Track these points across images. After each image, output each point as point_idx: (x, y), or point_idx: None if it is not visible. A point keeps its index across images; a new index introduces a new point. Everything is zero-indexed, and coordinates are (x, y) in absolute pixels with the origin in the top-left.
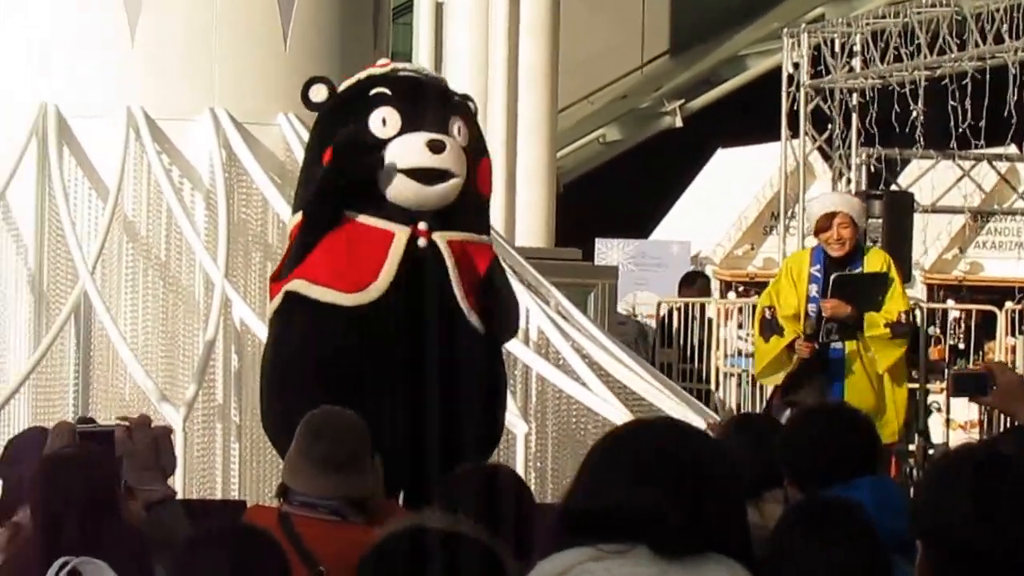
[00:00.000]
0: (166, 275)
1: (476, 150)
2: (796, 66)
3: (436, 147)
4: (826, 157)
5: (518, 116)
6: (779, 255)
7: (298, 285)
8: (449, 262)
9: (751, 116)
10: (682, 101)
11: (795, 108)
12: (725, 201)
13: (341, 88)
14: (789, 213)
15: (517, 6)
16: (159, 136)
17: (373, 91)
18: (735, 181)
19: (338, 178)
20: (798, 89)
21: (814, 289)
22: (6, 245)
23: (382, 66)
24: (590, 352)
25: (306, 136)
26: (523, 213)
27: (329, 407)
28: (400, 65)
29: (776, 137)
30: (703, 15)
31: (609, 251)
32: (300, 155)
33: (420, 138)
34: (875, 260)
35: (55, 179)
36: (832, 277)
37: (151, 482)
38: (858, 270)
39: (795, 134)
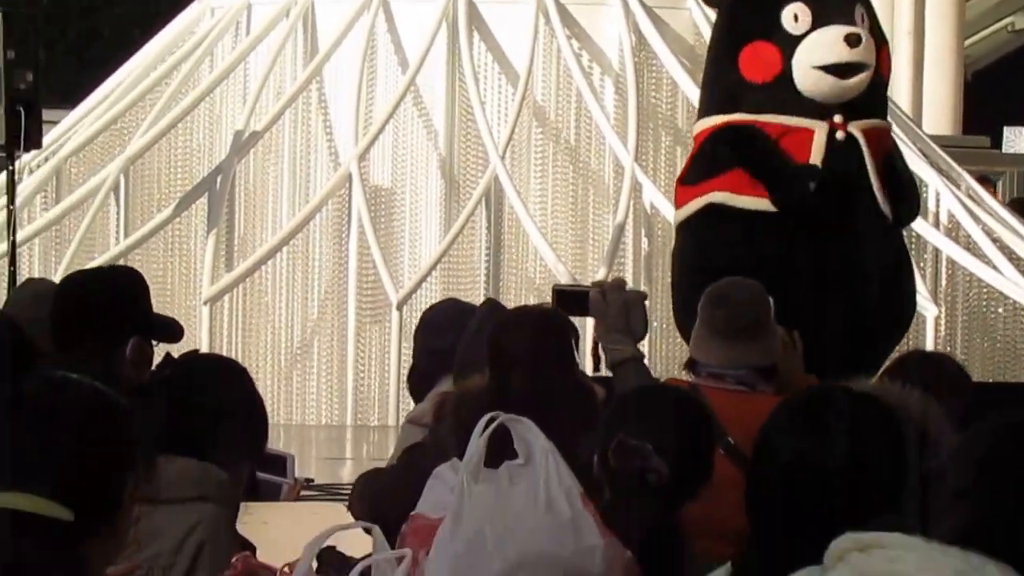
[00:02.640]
0: (576, 159)
1: (878, 35)
2: None
3: (853, 41)
4: None
5: (925, 4)
6: None
7: (721, 197)
8: (866, 152)
9: None
10: None
11: None
12: None
13: None
14: None
15: None
16: (569, 21)
17: None
18: None
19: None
20: None
21: None
22: (417, 130)
23: None
24: (1001, 235)
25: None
26: (930, 101)
27: (731, 279)
28: None
29: None
30: None
31: (1018, 139)
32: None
33: (836, 33)
34: None
35: (465, 64)
36: None
37: (618, 343)
38: None
39: None
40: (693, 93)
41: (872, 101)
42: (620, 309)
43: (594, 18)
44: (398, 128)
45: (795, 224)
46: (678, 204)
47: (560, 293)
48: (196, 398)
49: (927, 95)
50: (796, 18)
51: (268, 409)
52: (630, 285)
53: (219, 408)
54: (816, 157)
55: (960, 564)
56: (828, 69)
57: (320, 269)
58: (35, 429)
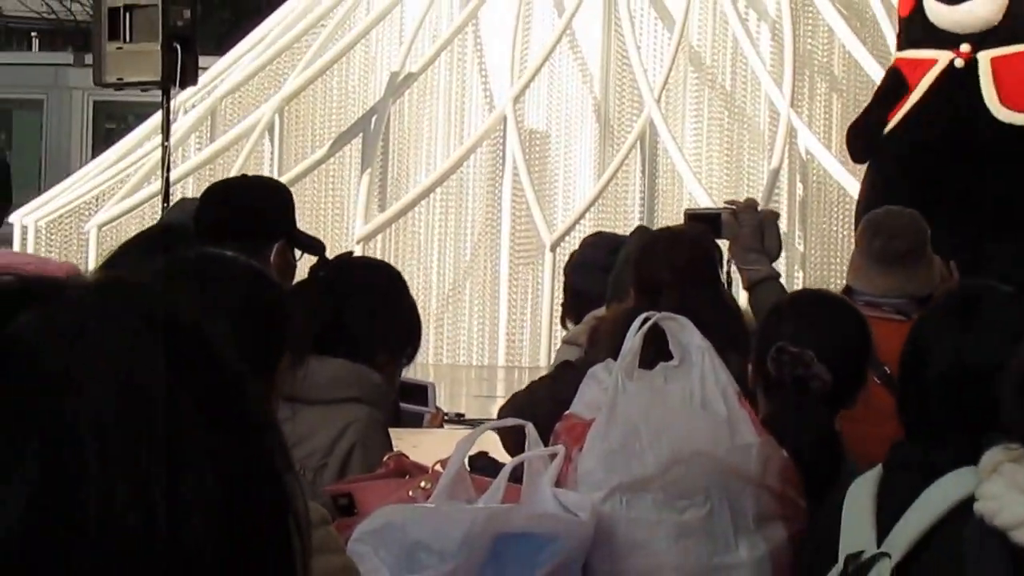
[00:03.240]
0: (731, 105)
1: None
2: None
3: None
4: None
5: None
6: None
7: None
8: (985, 77)
9: None
10: None
11: None
12: None
13: None
14: None
15: None
16: None
17: None
18: None
19: None
20: None
21: None
22: (572, 74)
23: None
24: None
25: None
26: None
27: (891, 207)
28: None
29: None
30: None
31: None
32: None
33: None
34: None
35: (622, 8)
36: None
37: (754, 263)
38: None
39: None
40: (849, 40)
41: (1018, 31)
42: (754, 229)
43: None
44: (553, 71)
45: (896, 143)
46: None
47: (693, 216)
48: (351, 298)
49: None
50: None
51: (422, 350)
52: (785, 231)
53: (373, 308)
54: (923, 86)
55: None
56: None
57: (473, 211)
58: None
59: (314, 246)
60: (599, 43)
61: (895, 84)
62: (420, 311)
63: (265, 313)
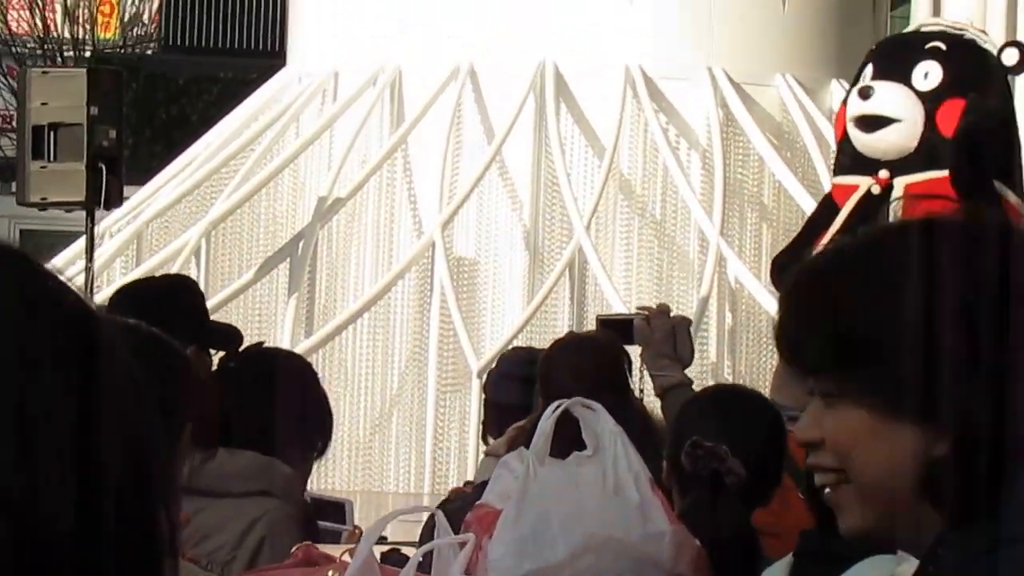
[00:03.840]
0: (661, 233)
1: (947, 91)
2: None
3: (864, 93)
4: None
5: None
6: None
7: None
8: (896, 203)
9: None
10: None
11: None
12: None
13: None
14: None
15: None
16: (656, 94)
17: (873, 47)
18: None
19: None
20: None
21: None
22: (502, 201)
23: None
24: None
25: (804, 97)
26: None
27: None
28: (942, 21)
29: None
30: None
31: None
32: (797, 116)
33: (856, 88)
34: None
35: (552, 135)
36: None
37: (666, 369)
38: None
39: None
40: (780, 170)
41: (933, 157)
42: (666, 335)
43: (681, 92)
44: (482, 198)
45: None
46: None
47: (605, 322)
48: (261, 390)
49: None
50: (863, 78)
51: (347, 477)
52: (713, 361)
53: (284, 400)
54: (843, 213)
55: None
56: (855, 123)
57: (401, 337)
58: None
59: (228, 338)
60: (529, 170)
61: (824, 211)
62: (347, 438)
63: (168, 374)
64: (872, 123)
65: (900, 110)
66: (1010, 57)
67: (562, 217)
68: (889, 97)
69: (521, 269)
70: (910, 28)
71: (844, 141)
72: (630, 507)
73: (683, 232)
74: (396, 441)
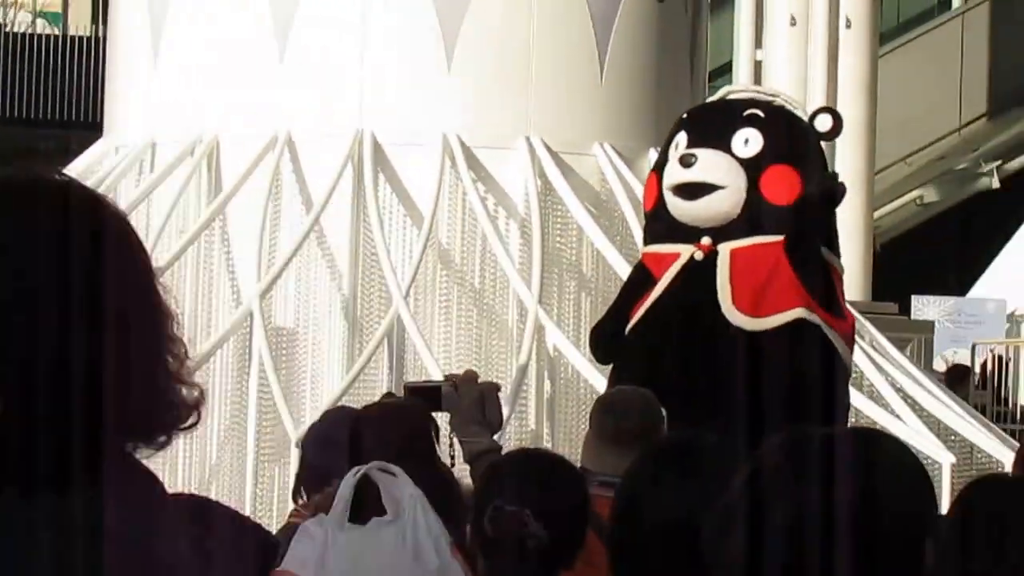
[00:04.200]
0: (480, 302)
1: (769, 158)
2: None
3: (685, 161)
4: None
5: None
6: None
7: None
8: (720, 268)
9: None
10: (999, 162)
11: None
12: None
13: None
14: None
15: (835, 66)
16: (474, 164)
17: (681, 117)
18: None
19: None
20: None
21: None
22: (320, 270)
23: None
24: (904, 386)
25: (621, 166)
26: None
27: (621, 386)
28: (749, 87)
29: None
30: (1022, 78)
31: (925, 307)
32: (615, 185)
33: (677, 154)
34: None
35: (370, 205)
36: None
37: (475, 435)
38: None
39: None
40: (598, 238)
41: (757, 223)
42: (474, 401)
43: (500, 161)
44: (301, 267)
45: (639, 336)
46: None
47: (412, 390)
48: None
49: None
50: (676, 147)
51: None
52: (532, 428)
53: None
54: (664, 280)
55: None
56: (674, 191)
57: (220, 407)
58: None
59: None
60: (347, 240)
61: (639, 279)
62: None
63: None
64: (695, 191)
65: (724, 177)
66: (823, 123)
67: (381, 287)
68: (712, 164)
69: (340, 339)
70: (717, 96)
71: (659, 209)
72: (429, 572)
73: (502, 301)
74: None
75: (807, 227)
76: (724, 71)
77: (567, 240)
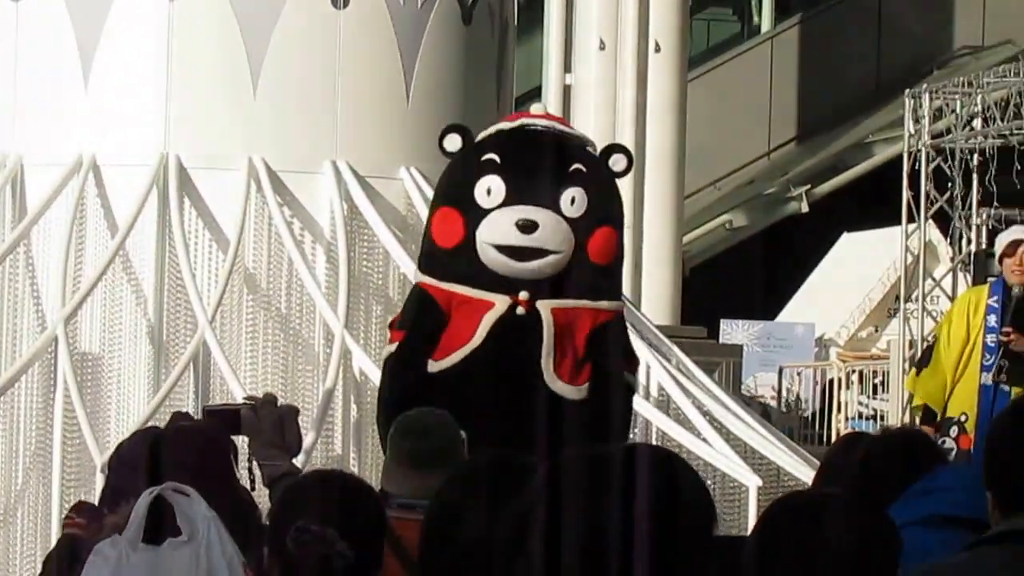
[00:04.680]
0: (286, 327)
1: (594, 219)
2: (917, 123)
3: (526, 228)
4: (947, 236)
5: (644, 200)
6: (900, 345)
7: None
8: (546, 331)
9: (876, 201)
10: (808, 187)
11: (916, 168)
12: (850, 284)
13: (479, 138)
14: (913, 295)
15: (645, 91)
16: (280, 188)
17: (485, 157)
18: (860, 265)
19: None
20: (919, 149)
21: (992, 320)
22: (126, 295)
23: (512, 118)
24: (710, 408)
25: (428, 191)
26: (649, 294)
27: (420, 408)
28: (532, 120)
29: (900, 222)
30: (830, 103)
31: (734, 332)
32: (422, 209)
33: (511, 217)
34: None
35: (175, 229)
36: (1017, 299)
37: (276, 459)
38: None
39: (916, 218)
40: (404, 263)
41: (577, 282)
42: (273, 424)
43: (306, 186)
44: (107, 292)
45: (453, 384)
46: (390, 342)
47: (211, 412)
48: None
49: (646, 288)
50: (489, 191)
51: None
52: (339, 453)
53: None
54: (483, 328)
55: None
56: (502, 250)
57: (25, 433)
58: None
59: None
60: (152, 264)
61: (431, 313)
62: None
63: None
64: (530, 255)
65: (561, 243)
66: (618, 163)
67: (187, 311)
68: (551, 231)
69: (146, 363)
70: (514, 126)
71: (465, 250)
72: None
73: (308, 325)
74: (22, 537)
75: (618, 288)
76: (534, 95)
77: (373, 264)
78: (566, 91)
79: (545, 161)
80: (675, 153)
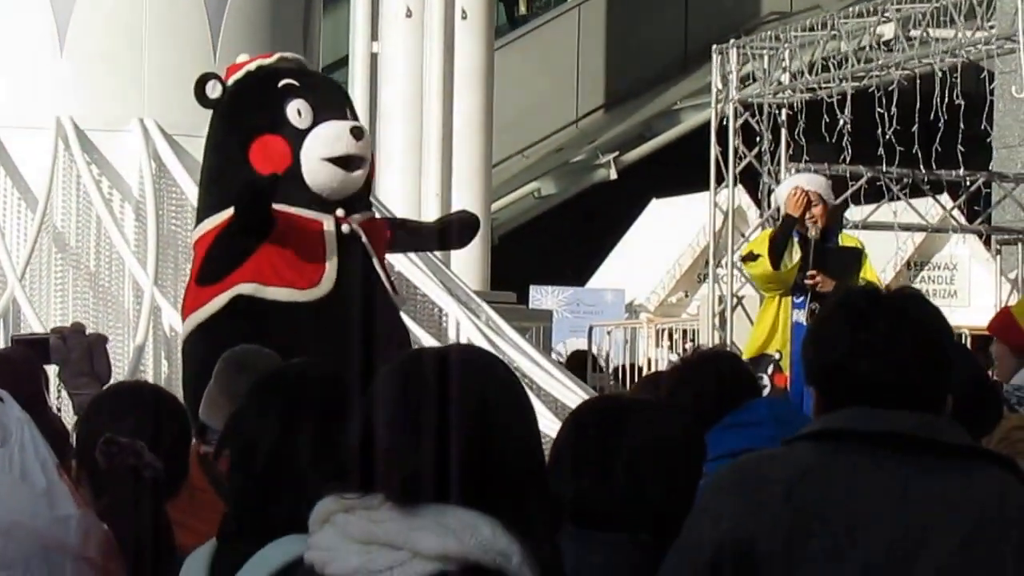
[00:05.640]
0: (96, 284)
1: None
2: (725, 81)
3: (357, 134)
4: (757, 203)
5: (452, 168)
6: (710, 303)
7: (247, 288)
8: (369, 246)
9: (685, 168)
10: (616, 154)
11: (724, 124)
12: (659, 250)
13: (236, 79)
14: (721, 260)
15: (451, 59)
16: (88, 146)
17: (281, 83)
18: (669, 230)
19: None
20: (727, 103)
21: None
22: None
23: (265, 56)
24: (520, 364)
25: None
26: (458, 262)
27: (247, 346)
28: (283, 54)
29: (709, 187)
30: (638, 71)
31: (544, 298)
32: None
33: (344, 125)
34: (849, 240)
35: None
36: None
37: (85, 387)
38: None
39: (725, 178)
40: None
41: (366, 195)
42: (83, 353)
43: (114, 144)
44: None
45: (326, 310)
46: (195, 305)
47: (19, 342)
48: None
49: (455, 256)
50: (300, 113)
51: None
52: None
53: None
54: (332, 250)
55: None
56: (335, 161)
57: None
58: None
59: None
60: None
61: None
62: None
63: None
64: (357, 164)
65: (369, 152)
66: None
67: None
68: (367, 139)
69: None
70: (277, 56)
71: (291, 171)
72: (37, 493)
73: (118, 283)
74: None
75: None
76: (342, 64)
77: (182, 222)
78: (373, 59)
79: (331, 83)
80: (483, 121)
